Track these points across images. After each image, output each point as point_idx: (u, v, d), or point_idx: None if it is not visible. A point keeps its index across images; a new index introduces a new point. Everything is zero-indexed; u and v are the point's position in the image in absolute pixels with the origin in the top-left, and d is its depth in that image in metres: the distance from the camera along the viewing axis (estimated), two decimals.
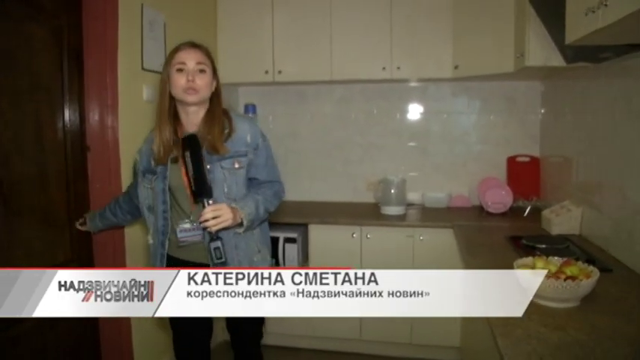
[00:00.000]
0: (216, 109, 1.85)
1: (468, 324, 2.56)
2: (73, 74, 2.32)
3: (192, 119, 1.84)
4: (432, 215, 3.23)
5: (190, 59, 1.76)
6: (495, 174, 3.49)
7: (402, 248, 3.06)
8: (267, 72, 3.40)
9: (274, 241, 3.16)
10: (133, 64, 2.56)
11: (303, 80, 3.44)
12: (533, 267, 1.64)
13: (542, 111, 3.39)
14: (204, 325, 2.02)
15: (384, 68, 3.26)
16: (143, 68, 2.64)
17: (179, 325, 1.99)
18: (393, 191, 3.25)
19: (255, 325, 2.08)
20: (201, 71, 1.77)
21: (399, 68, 3.24)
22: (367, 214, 3.28)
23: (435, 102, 3.58)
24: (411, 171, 3.62)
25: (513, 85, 3.44)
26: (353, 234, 3.10)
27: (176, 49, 1.81)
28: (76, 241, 2.33)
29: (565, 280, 1.51)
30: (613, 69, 2.17)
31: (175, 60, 1.77)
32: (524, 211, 3.10)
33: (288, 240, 3.20)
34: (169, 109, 1.81)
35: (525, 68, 2.55)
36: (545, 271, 1.49)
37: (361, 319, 3.10)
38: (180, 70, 1.75)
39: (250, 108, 3.65)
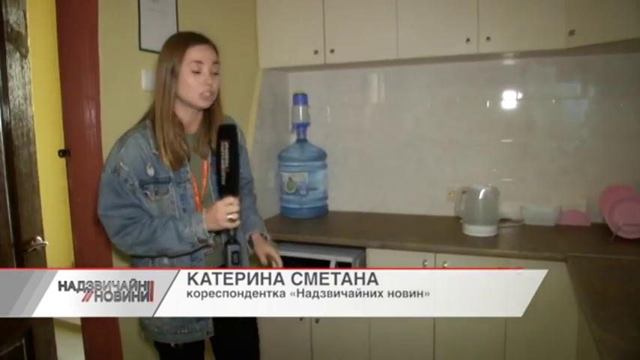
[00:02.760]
0: (217, 109, 1.67)
1: None
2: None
3: (193, 119, 1.65)
4: (535, 238, 2.38)
5: (207, 59, 1.56)
6: (626, 180, 2.55)
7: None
8: (316, 52, 2.71)
9: (323, 266, 2.49)
10: (125, 42, 2.00)
11: (361, 61, 2.71)
12: None
13: None
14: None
15: (468, 40, 2.44)
16: (141, 48, 2.06)
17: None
18: (480, 205, 2.43)
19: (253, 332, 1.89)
20: (216, 74, 1.59)
21: (488, 39, 2.40)
22: (445, 234, 2.50)
23: (539, 85, 2.70)
24: (505, 176, 2.78)
25: None
26: (425, 262, 2.34)
27: (187, 43, 1.54)
28: None
29: None
30: None
31: (190, 57, 1.53)
32: None
33: (341, 265, 2.51)
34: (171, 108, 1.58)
35: None
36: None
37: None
38: (196, 72, 1.54)
39: (300, 98, 2.98)
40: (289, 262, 2.65)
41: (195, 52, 1.53)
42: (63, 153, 1.98)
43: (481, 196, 2.43)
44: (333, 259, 2.54)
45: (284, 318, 2.61)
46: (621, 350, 1.26)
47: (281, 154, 2.96)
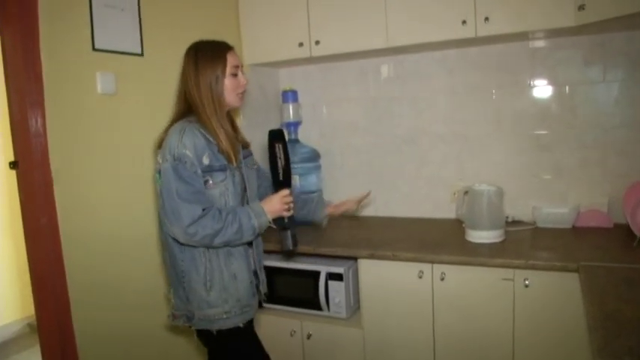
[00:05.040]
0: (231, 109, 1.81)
1: None
2: None
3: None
4: (547, 243, 2.10)
5: (240, 62, 1.74)
6: None
7: (495, 297, 2.00)
8: (301, 44, 2.49)
9: (312, 277, 2.30)
10: (74, 43, 1.83)
11: (349, 52, 2.46)
12: None
13: None
14: None
15: (464, 22, 2.17)
16: (95, 49, 1.88)
17: None
18: (483, 208, 2.16)
19: None
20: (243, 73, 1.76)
21: (487, 20, 2.13)
22: (446, 240, 2.24)
23: (551, 69, 2.39)
24: (516, 173, 2.50)
25: None
26: (420, 273, 2.09)
27: (225, 52, 1.70)
28: None
29: None
30: None
31: (231, 63, 1.69)
32: None
33: (332, 276, 2.30)
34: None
35: None
36: None
37: None
38: (234, 75, 1.70)
39: (289, 95, 2.76)
40: (277, 274, 2.47)
41: (232, 58, 1.69)
42: (13, 164, 1.83)
43: (484, 197, 2.16)
44: (323, 269, 2.33)
45: (275, 332, 2.43)
46: None
47: None
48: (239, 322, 1.72)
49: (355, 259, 2.25)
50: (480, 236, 2.15)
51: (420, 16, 2.24)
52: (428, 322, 2.12)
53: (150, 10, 2.11)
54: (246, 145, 1.87)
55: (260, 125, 2.75)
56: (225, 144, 1.65)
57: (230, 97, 1.70)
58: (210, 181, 1.64)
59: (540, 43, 2.39)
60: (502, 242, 2.14)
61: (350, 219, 2.77)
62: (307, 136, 2.86)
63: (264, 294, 1.92)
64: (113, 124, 1.98)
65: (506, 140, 2.50)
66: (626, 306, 1.42)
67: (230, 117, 1.79)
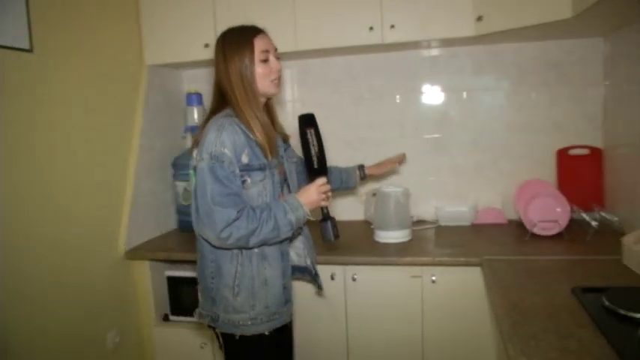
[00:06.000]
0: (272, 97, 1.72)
1: None
2: None
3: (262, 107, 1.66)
4: (450, 241, 2.21)
5: (271, 46, 1.62)
6: (540, 174, 2.45)
7: (405, 294, 2.07)
8: (207, 46, 2.41)
9: None
10: None
11: None
12: None
13: (607, 82, 2.32)
14: None
15: (371, 29, 2.23)
16: None
17: None
18: (391, 209, 2.23)
19: None
20: (278, 58, 1.64)
21: (393, 27, 2.21)
22: (356, 242, 2.27)
23: (451, 75, 2.54)
24: (420, 175, 2.61)
25: (562, 46, 2.39)
26: (332, 275, 2.10)
27: (251, 36, 1.58)
28: None
29: None
30: None
31: (259, 48, 1.57)
32: (585, 230, 2.10)
33: None
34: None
35: (595, 7, 1.53)
36: None
37: None
38: (265, 61, 1.58)
39: (193, 98, 2.67)
40: (183, 284, 2.37)
41: (260, 43, 1.58)
42: None
43: (392, 199, 2.23)
44: None
45: (183, 346, 2.33)
46: None
47: (174, 162, 2.63)
48: (264, 329, 1.61)
49: None
50: (389, 236, 2.22)
51: (328, 21, 2.27)
52: (341, 323, 2.14)
53: (40, 1, 1.93)
54: (285, 139, 1.76)
55: (162, 129, 2.63)
56: (260, 136, 1.55)
57: (263, 84, 1.59)
58: (249, 181, 1.55)
59: (441, 51, 2.52)
60: (409, 241, 2.22)
61: None
62: None
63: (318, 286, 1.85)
64: None
65: (410, 143, 2.60)
66: (529, 294, 1.53)
67: (269, 106, 1.70)
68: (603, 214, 2.15)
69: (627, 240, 1.75)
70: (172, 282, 2.40)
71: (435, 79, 2.56)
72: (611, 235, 2.03)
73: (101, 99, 2.24)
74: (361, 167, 2.12)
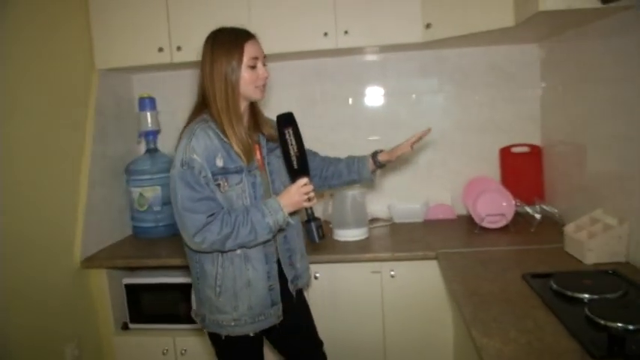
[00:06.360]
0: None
1: None
2: None
3: (245, 111, 1.65)
4: (405, 237, 2.31)
5: (260, 52, 1.62)
6: (486, 171, 2.60)
7: (366, 290, 2.15)
8: (161, 49, 2.40)
9: (184, 290, 2.20)
10: None
11: None
12: None
13: (543, 85, 2.50)
14: None
15: (325, 34, 2.30)
16: None
17: None
18: (349, 208, 2.31)
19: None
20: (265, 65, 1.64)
21: (346, 33, 2.29)
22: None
23: (399, 79, 2.66)
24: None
25: (502, 52, 2.55)
26: None
27: (242, 41, 1.57)
28: None
29: None
30: None
31: (249, 54, 1.57)
32: (529, 222, 2.26)
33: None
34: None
35: (536, 17, 1.67)
36: None
37: None
38: (252, 67, 1.58)
39: (146, 102, 2.64)
40: (142, 291, 2.34)
41: (250, 49, 1.57)
42: None
43: (349, 198, 2.31)
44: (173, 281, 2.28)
45: (145, 353, 2.30)
46: (507, 356, 1.17)
47: (128, 168, 2.59)
48: (249, 330, 1.62)
49: None
50: (347, 235, 2.29)
51: (284, 26, 2.31)
52: None
53: None
54: (270, 138, 1.70)
55: (115, 135, 2.59)
56: (236, 145, 1.54)
57: (247, 89, 1.58)
58: (226, 184, 1.55)
59: (391, 55, 2.63)
60: (367, 239, 2.31)
61: None
62: (167, 145, 2.72)
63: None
64: None
65: (363, 145, 2.66)
66: (485, 282, 1.65)
67: (255, 107, 1.68)
68: (544, 206, 2.32)
69: (568, 229, 1.91)
70: (130, 289, 2.37)
71: (384, 83, 2.66)
72: (552, 226, 2.20)
73: (50, 104, 2.17)
74: (374, 155, 1.89)
